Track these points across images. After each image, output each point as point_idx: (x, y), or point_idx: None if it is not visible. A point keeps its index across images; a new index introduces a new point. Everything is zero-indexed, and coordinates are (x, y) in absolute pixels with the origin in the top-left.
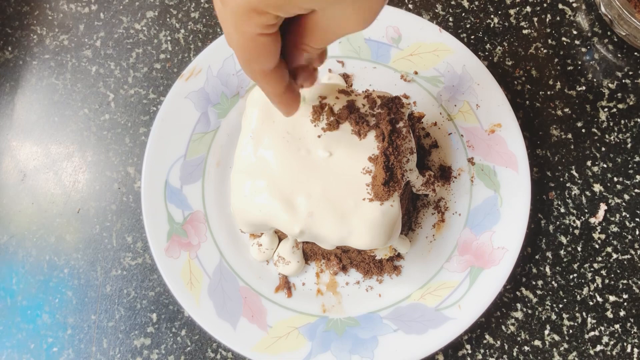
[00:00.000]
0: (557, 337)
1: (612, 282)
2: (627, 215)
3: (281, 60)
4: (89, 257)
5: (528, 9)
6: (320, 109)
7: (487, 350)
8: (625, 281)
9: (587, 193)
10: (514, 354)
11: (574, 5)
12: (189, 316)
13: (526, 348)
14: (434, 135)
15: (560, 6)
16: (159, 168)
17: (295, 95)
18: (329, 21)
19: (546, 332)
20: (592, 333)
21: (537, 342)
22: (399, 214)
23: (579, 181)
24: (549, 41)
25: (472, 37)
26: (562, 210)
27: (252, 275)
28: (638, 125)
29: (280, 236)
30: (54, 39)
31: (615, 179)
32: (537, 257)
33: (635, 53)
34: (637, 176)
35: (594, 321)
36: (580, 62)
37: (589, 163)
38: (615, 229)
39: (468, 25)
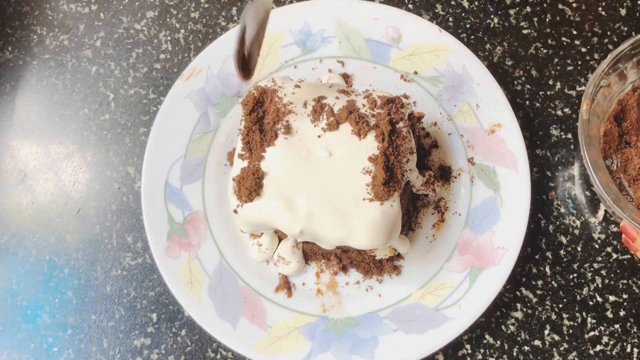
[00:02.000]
0: (557, 337)
1: (612, 282)
2: None
3: None
4: (89, 257)
5: (528, 9)
6: (320, 109)
7: (487, 350)
8: (625, 281)
9: (587, 193)
10: (514, 354)
11: (574, 5)
12: (189, 316)
13: (526, 348)
14: (434, 135)
15: (560, 6)
16: (159, 168)
17: None
18: None
19: (546, 332)
20: (592, 333)
21: (537, 342)
22: (399, 214)
23: (579, 181)
24: (549, 41)
25: (472, 37)
26: (562, 210)
27: (252, 275)
28: None
29: (280, 236)
30: (54, 39)
31: None
32: (537, 257)
33: None
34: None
35: (594, 321)
36: (580, 62)
37: None
38: (615, 229)
39: (468, 25)
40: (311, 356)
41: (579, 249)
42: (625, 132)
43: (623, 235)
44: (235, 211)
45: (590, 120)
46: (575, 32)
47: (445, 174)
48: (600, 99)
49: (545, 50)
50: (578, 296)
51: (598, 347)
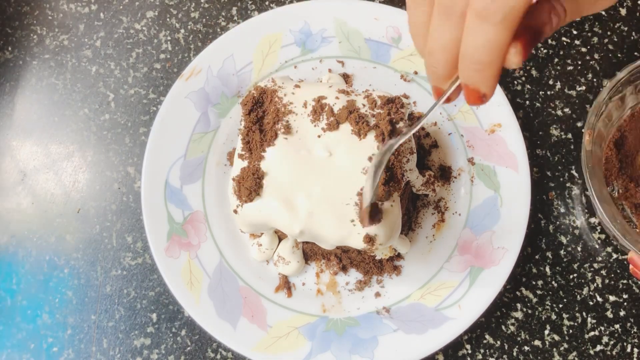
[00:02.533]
0: (557, 337)
1: (612, 282)
2: None
3: None
4: (89, 257)
5: None
6: (320, 109)
7: (487, 350)
8: (625, 281)
9: (587, 193)
10: (514, 354)
11: None
12: (189, 316)
13: (526, 348)
14: (434, 135)
15: None
16: (159, 168)
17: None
18: None
19: (546, 332)
20: (592, 333)
21: (537, 342)
22: (399, 214)
23: (579, 181)
24: (549, 41)
25: None
26: (562, 210)
27: (252, 275)
28: None
29: (280, 236)
30: (54, 39)
31: None
32: (537, 257)
33: (635, 53)
34: None
35: (594, 321)
36: (580, 62)
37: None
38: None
39: None
40: (311, 356)
41: (579, 249)
42: (625, 157)
43: (631, 266)
44: (235, 211)
45: (593, 151)
46: (575, 32)
47: (445, 174)
48: (601, 126)
49: (545, 50)
50: (578, 296)
51: (598, 347)
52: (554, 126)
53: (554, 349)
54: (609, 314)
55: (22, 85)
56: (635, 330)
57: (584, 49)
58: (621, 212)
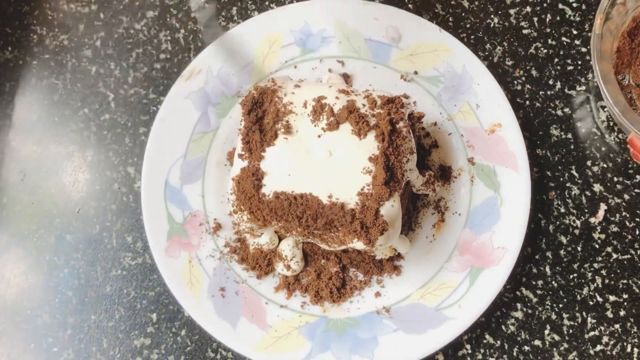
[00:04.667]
0: (557, 337)
1: (612, 282)
2: (627, 215)
3: None
4: (89, 257)
5: (528, 9)
6: (320, 109)
7: (487, 350)
8: (625, 281)
9: (587, 193)
10: (514, 354)
11: (574, 5)
12: (189, 316)
13: (526, 348)
14: (434, 135)
15: (560, 6)
16: (159, 168)
17: None
18: None
19: (546, 332)
20: (592, 333)
21: (537, 342)
22: (399, 214)
23: (579, 181)
24: (549, 41)
25: (472, 37)
26: (562, 210)
27: (252, 275)
28: None
29: (280, 236)
30: (54, 39)
31: (615, 179)
32: (537, 257)
33: None
34: (637, 176)
35: (594, 321)
36: (580, 62)
37: (589, 163)
38: (615, 229)
39: (468, 25)
40: (311, 356)
41: (579, 249)
42: (638, 46)
43: (631, 149)
44: (235, 212)
45: (603, 35)
46: (575, 32)
47: (445, 174)
48: (615, 15)
49: (545, 50)
50: (578, 296)
51: (598, 347)
52: (554, 126)
53: (554, 349)
54: (609, 314)
55: (22, 85)
56: (635, 330)
57: (584, 49)
58: (629, 100)
